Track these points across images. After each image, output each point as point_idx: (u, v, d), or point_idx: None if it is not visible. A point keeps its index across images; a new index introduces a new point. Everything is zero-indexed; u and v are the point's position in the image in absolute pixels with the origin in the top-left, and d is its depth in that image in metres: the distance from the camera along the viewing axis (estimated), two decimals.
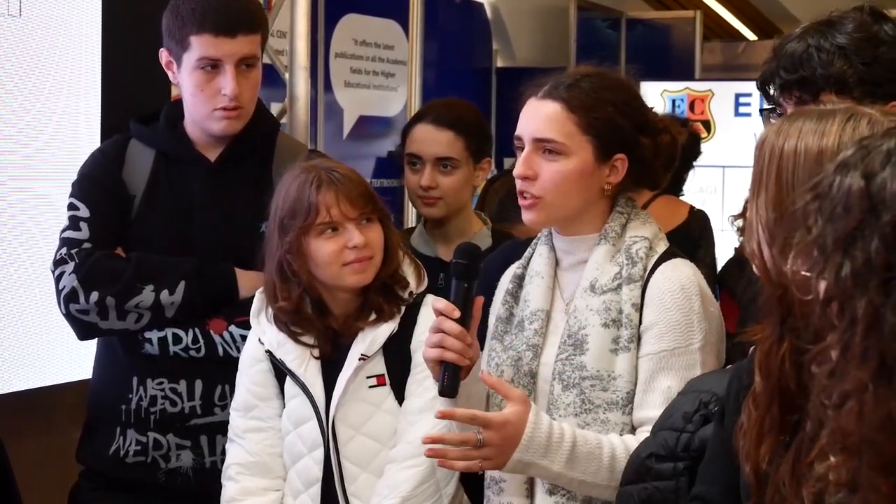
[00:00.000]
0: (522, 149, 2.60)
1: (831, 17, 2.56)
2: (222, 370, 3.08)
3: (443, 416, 2.43)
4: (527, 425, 2.39)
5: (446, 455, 2.43)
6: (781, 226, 1.50)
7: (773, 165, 1.93)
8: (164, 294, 3.05)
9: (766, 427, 1.52)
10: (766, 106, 2.65)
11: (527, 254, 2.71)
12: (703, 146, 8.60)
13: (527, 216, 2.60)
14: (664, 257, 2.58)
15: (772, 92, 2.60)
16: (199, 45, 3.06)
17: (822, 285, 1.38)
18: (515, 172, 2.59)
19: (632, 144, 2.59)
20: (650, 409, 2.43)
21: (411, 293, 2.85)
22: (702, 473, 2.00)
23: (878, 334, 1.32)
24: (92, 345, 3.26)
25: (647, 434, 2.34)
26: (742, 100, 8.66)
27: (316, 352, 2.83)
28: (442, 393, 2.52)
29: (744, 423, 1.60)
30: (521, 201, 2.60)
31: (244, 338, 3.04)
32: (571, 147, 2.55)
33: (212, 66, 3.07)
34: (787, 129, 1.96)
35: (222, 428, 3.07)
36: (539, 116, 2.57)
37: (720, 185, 8.62)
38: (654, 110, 2.70)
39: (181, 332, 3.10)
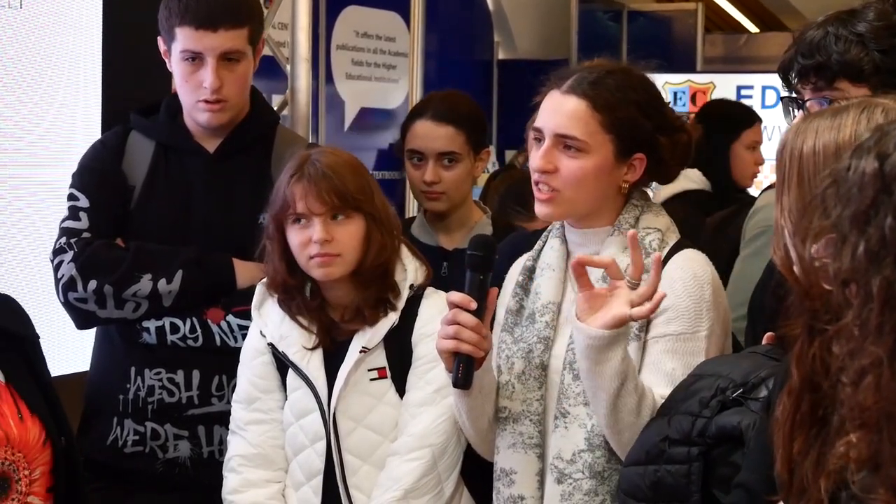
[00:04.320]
0: (539, 140, 2.58)
1: (855, 6, 2.58)
2: (219, 360, 3.09)
3: (578, 262, 2.38)
4: (612, 331, 2.34)
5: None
6: (804, 218, 1.51)
7: (793, 167, 1.96)
8: (162, 283, 3.06)
9: (798, 422, 1.52)
10: (785, 94, 2.66)
11: (537, 246, 2.70)
12: None
13: (542, 209, 2.59)
14: (676, 248, 2.58)
15: (792, 80, 2.61)
16: (182, 38, 3.08)
17: (840, 267, 1.39)
18: (535, 165, 2.57)
19: (651, 144, 2.58)
20: (653, 388, 2.43)
21: (412, 286, 2.85)
22: (746, 462, 2.00)
23: (893, 309, 1.33)
24: (90, 337, 3.26)
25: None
26: (744, 92, 8.66)
27: (311, 341, 2.82)
28: (456, 385, 2.52)
29: (778, 416, 1.60)
30: (537, 193, 2.58)
31: (242, 328, 3.05)
32: (593, 145, 2.54)
33: (193, 58, 3.08)
34: (805, 130, 1.98)
35: (219, 418, 3.08)
36: (562, 111, 2.56)
37: None
38: (671, 107, 2.69)
39: (179, 322, 3.10)
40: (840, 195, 1.42)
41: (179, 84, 3.14)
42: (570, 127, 2.54)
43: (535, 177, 2.57)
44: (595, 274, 2.56)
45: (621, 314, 2.34)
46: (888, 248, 1.34)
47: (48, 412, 2.52)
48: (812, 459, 1.49)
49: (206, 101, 3.10)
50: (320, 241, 2.76)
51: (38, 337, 2.64)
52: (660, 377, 2.44)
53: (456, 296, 2.50)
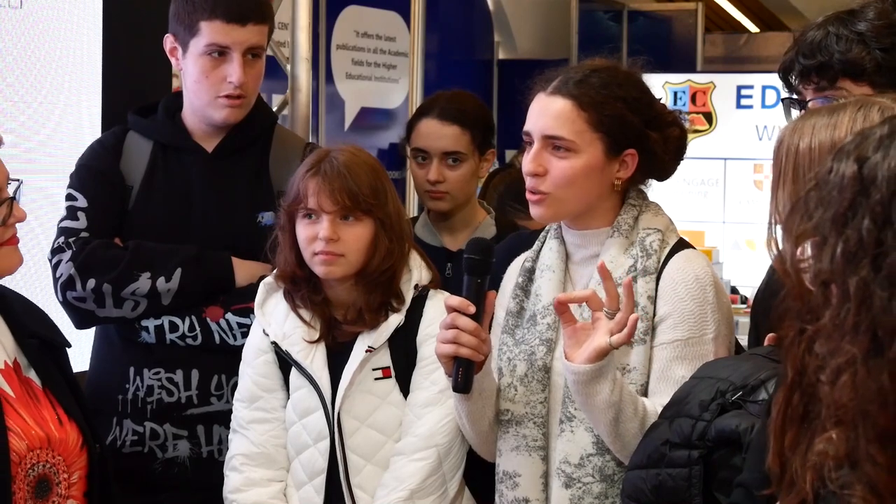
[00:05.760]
0: (531, 143, 2.58)
1: (854, 6, 2.59)
2: (218, 360, 3.09)
3: (559, 302, 2.38)
4: (597, 363, 2.36)
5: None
6: (789, 219, 1.54)
7: (789, 164, 1.98)
8: (161, 281, 3.06)
9: (789, 417, 1.54)
10: (786, 95, 2.67)
11: (535, 246, 2.69)
12: (705, 138, 8.65)
13: (536, 211, 2.58)
14: (676, 248, 2.58)
15: (792, 81, 2.61)
16: (209, 32, 3.08)
17: (821, 268, 1.40)
18: (525, 169, 2.57)
19: (642, 139, 2.57)
20: (663, 397, 2.41)
21: (416, 285, 2.85)
22: (746, 462, 2.00)
23: (869, 309, 1.34)
24: (88, 337, 3.26)
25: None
26: (744, 92, 8.67)
27: (313, 335, 2.82)
28: (456, 389, 2.52)
29: (772, 413, 1.62)
30: (529, 196, 2.58)
31: (241, 326, 3.06)
32: (581, 144, 2.53)
33: (219, 52, 3.09)
34: (802, 127, 2.00)
35: (219, 418, 3.09)
36: (549, 113, 2.55)
37: (721, 176, 8.63)
38: (662, 102, 2.68)
39: (177, 320, 3.10)
40: (821, 198, 1.44)
41: (197, 80, 3.13)
42: (556, 128, 2.54)
43: (527, 181, 2.57)
44: (597, 276, 2.55)
45: (602, 345, 2.35)
46: (865, 249, 1.36)
47: (83, 418, 2.54)
48: (801, 454, 1.50)
49: (229, 97, 3.11)
50: (326, 240, 2.76)
51: (69, 345, 2.66)
52: (670, 385, 2.42)
53: (454, 300, 2.50)
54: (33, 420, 2.42)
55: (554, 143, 2.54)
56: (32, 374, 2.52)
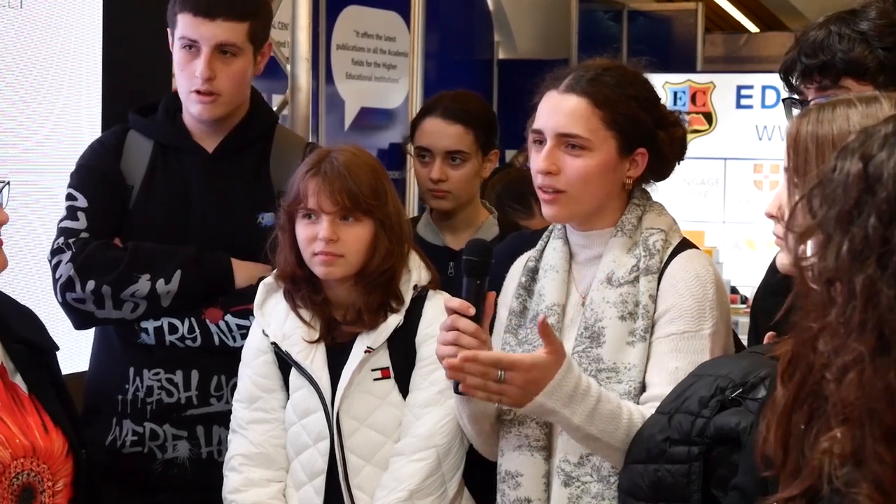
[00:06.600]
0: (541, 142, 2.57)
1: (855, 6, 2.59)
2: (218, 360, 3.09)
3: (465, 359, 2.36)
4: (556, 374, 2.35)
5: (464, 380, 2.38)
6: (791, 218, 1.53)
7: (819, 155, 1.87)
8: (160, 283, 3.06)
9: (795, 407, 1.54)
10: (786, 95, 2.67)
11: (539, 246, 2.69)
12: (705, 138, 8.66)
13: (549, 211, 2.57)
14: (679, 248, 2.58)
15: (794, 81, 2.62)
16: (181, 24, 3.09)
17: (826, 266, 1.41)
18: (538, 167, 2.56)
19: (652, 139, 2.58)
20: (655, 387, 2.43)
21: (416, 286, 2.85)
22: (741, 463, 2.00)
23: (875, 307, 1.36)
24: (88, 337, 3.26)
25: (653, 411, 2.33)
26: (744, 92, 8.67)
27: (313, 335, 2.82)
28: (457, 390, 2.51)
29: (763, 431, 1.61)
30: (542, 195, 2.57)
31: (240, 327, 3.06)
32: (595, 142, 2.53)
33: (190, 46, 3.09)
34: (830, 116, 1.91)
35: (218, 418, 3.09)
36: (562, 111, 2.55)
37: (721, 176, 8.63)
38: (662, 102, 2.69)
39: (177, 322, 3.10)
40: (825, 195, 1.45)
41: (177, 73, 3.14)
42: (571, 125, 2.53)
43: (538, 179, 2.56)
44: (599, 276, 2.55)
45: None
46: (871, 247, 1.37)
47: (69, 424, 2.52)
48: (807, 445, 1.51)
49: (198, 92, 3.10)
50: (326, 240, 2.76)
51: (57, 348, 2.64)
52: (663, 376, 2.44)
53: (454, 302, 2.49)
54: (18, 428, 2.40)
55: (568, 141, 2.54)
56: (18, 380, 2.48)
